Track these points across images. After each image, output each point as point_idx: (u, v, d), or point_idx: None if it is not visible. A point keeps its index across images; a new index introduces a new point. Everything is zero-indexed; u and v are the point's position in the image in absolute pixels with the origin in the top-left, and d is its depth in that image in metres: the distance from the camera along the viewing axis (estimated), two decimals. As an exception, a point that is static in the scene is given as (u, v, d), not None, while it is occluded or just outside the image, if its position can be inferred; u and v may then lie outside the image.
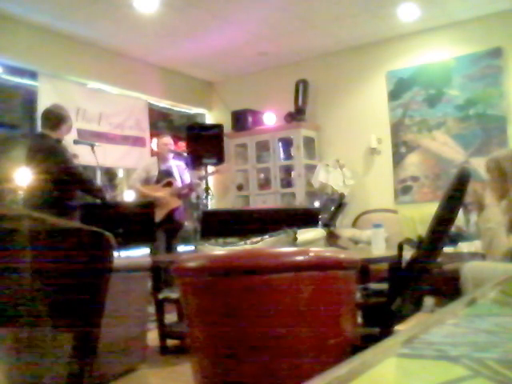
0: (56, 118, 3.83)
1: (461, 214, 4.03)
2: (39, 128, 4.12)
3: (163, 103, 6.56)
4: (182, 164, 5.26)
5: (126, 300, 2.76)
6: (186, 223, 5.56)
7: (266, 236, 2.61)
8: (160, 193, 4.84)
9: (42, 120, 3.93)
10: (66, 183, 3.74)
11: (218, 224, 3.50)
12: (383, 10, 5.00)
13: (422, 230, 1.97)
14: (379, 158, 5.86)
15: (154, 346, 3.31)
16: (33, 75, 5.01)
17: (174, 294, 3.24)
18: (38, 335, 2.14)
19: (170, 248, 4.85)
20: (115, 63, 5.76)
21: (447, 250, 3.94)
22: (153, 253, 4.66)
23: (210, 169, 6.26)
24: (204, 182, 5.71)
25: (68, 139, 4.19)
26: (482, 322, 0.59)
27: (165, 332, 3.35)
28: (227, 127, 6.43)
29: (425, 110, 5.58)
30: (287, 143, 6.24)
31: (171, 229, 4.90)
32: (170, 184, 4.96)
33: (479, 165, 2.84)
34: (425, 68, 5.58)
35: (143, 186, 4.96)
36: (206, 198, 5.83)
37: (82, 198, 4.14)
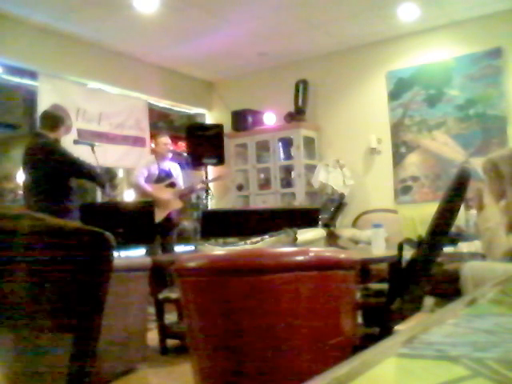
0: (54, 119, 3.83)
1: (461, 213, 4.03)
2: (38, 128, 4.12)
3: (163, 103, 6.56)
4: (177, 166, 5.25)
5: (126, 300, 2.76)
6: (186, 223, 5.57)
7: (266, 236, 2.62)
8: (163, 195, 4.83)
9: (40, 121, 3.93)
10: (66, 178, 3.73)
11: (218, 224, 3.50)
12: (383, 10, 5.00)
13: (422, 230, 1.97)
14: (379, 158, 5.86)
15: (154, 346, 3.31)
16: (33, 75, 5.01)
17: (174, 294, 3.24)
18: (37, 336, 2.14)
19: (165, 248, 4.84)
20: (115, 63, 5.76)
21: (447, 249, 3.94)
22: (148, 252, 4.66)
23: (210, 169, 6.26)
24: (206, 185, 5.70)
25: (68, 139, 4.19)
26: (482, 322, 0.59)
27: (165, 332, 3.35)
28: (227, 127, 6.43)
29: (425, 110, 5.58)
30: (287, 143, 6.24)
31: (167, 228, 4.89)
32: (172, 185, 4.96)
33: (479, 165, 2.84)
34: (425, 68, 5.58)
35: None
36: (206, 198, 5.83)
37: (81, 197, 4.14)
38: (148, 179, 4.96)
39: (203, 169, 6.22)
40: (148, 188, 4.87)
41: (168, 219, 4.87)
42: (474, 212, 4.02)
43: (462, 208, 3.87)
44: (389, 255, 2.80)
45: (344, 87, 6.11)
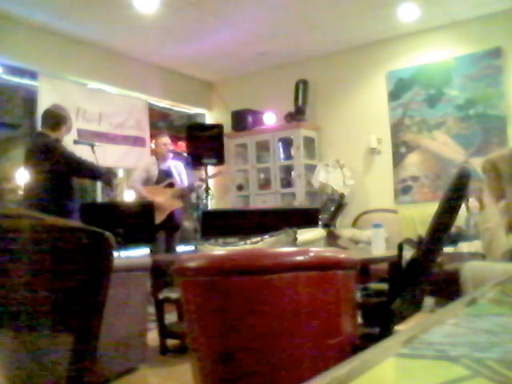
0: (56, 119, 3.83)
1: (461, 213, 4.03)
2: (39, 128, 4.12)
3: (163, 103, 6.56)
4: (179, 164, 5.25)
5: (126, 300, 2.76)
6: (186, 223, 5.56)
7: (266, 236, 2.62)
8: (160, 196, 4.80)
9: (42, 120, 3.93)
10: (68, 177, 3.74)
11: (218, 224, 3.50)
12: (383, 10, 5.00)
13: (422, 230, 1.97)
14: (379, 158, 5.86)
15: (154, 346, 3.31)
16: (33, 75, 5.01)
17: (174, 294, 3.24)
18: (37, 336, 2.14)
19: (169, 248, 4.85)
20: (115, 63, 5.76)
21: (447, 249, 3.94)
22: (153, 253, 4.66)
23: (210, 169, 6.26)
24: (204, 183, 5.71)
25: (68, 139, 4.19)
26: (482, 322, 0.59)
27: (165, 332, 3.35)
28: (227, 127, 6.43)
29: (425, 110, 5.58)
30: (287, 143, 6.24)
31: (170, 229, 4.89)
32: (171, 185, 4.95)
33: (479, 165, 2.84)
34: (425, 68, 5.58)
35: (144, 186, 4.95)
36: (206, 198, 5.83)
37: (81, 197, 4.14)
38: (148, 181, 4.96)
39: (203, 169, 6.21)
40: (145, 193, 4.86)
41: (171, 220, 4.86)
42: (474, 212, 4.02)
43: (462, 208, 3.87)
44: (389, 255, 2.80)
45: (344, 87, 6.11)
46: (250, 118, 6.38)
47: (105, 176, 3.96)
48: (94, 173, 3.88)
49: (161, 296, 3.35)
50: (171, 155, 5.15)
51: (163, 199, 4.79)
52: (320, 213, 4.11)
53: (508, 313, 0.67)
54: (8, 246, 0.94)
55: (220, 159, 6.21)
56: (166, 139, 5.11)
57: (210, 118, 7.13)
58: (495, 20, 5.12)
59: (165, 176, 4.99)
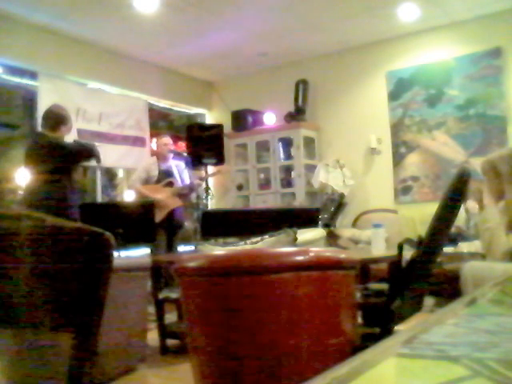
0: (56, 119, 3.83)
1: (461, 213, 4.03)
2: (39, 128, 4.12)
3: (163, 103, 6.56)
4: (181, 163, 5.26)
5: (126, 300, 2.76)
6: (186, 223, 5.56)
7: (266, 236, 2.62)
8: (160, 194, 4.82)
9: (42, 120, 3.93)
10: (70, 172, 3.76)
11: (218, 224, 3.50)
12: (383, 10, 5.00)
13: (422, 230, 1.97)
14: (379, 158, 5.86)
15: (154, 346, 3.31)
16: (33, 75, 5.01)
17: (174, 294, 3.24)
18: (38, 335, 2.14)
19: (170, 248, 4.85)
20: (115, 63, 5.76)
21: (447, 249, 3.94)
22: (153, 253, 4.66)
23: (210, 169, 6.26)
24: (204, 182, 5.71)
25: (68, 139, 4.19)
26: (482, 322, 0.59)
27: (165, 332, 3.35)
28: (227, 127, 6.43)
29: (425, 110, 5.58)
30: (287, 143, 6.24)
31: (172, 228, 4.89)
32: (170, 184, 4.95)
33: (479, 165, 2.85)
34: (425, 68, 5.58)
35: (143, 186, 4.95)
36: (206, 197, 5.83)
37: (81, 197, 4.15)
38: (148, 181, 4.97)
39: (203, 169, 6.22)
40: (144, 191, 4.87)
41: (173, 219, 4.86)
42: (474, 212, 4.02)
43: (462, 208, 3.87)
44: (389, 255, 2.80)
45: (344, 87, 6.11)
46: (250, 118, 6.38)
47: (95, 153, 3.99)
48: (88, 149, 3.94)
49: (161, 296, 3.35)
50: (172, 155, 5.16)
51: (163, 197, 4.81)
52: (320, 213, 4.11)
53: (508, 313, 0.67)
54: (9, 247, 0.94)
55: (220, 159, 6.20)
56: (166, 139, 5.12)
57: (210, 118, 7.13)
58: (495, 20, 5.12)
59: (166, 176, 5.00)
